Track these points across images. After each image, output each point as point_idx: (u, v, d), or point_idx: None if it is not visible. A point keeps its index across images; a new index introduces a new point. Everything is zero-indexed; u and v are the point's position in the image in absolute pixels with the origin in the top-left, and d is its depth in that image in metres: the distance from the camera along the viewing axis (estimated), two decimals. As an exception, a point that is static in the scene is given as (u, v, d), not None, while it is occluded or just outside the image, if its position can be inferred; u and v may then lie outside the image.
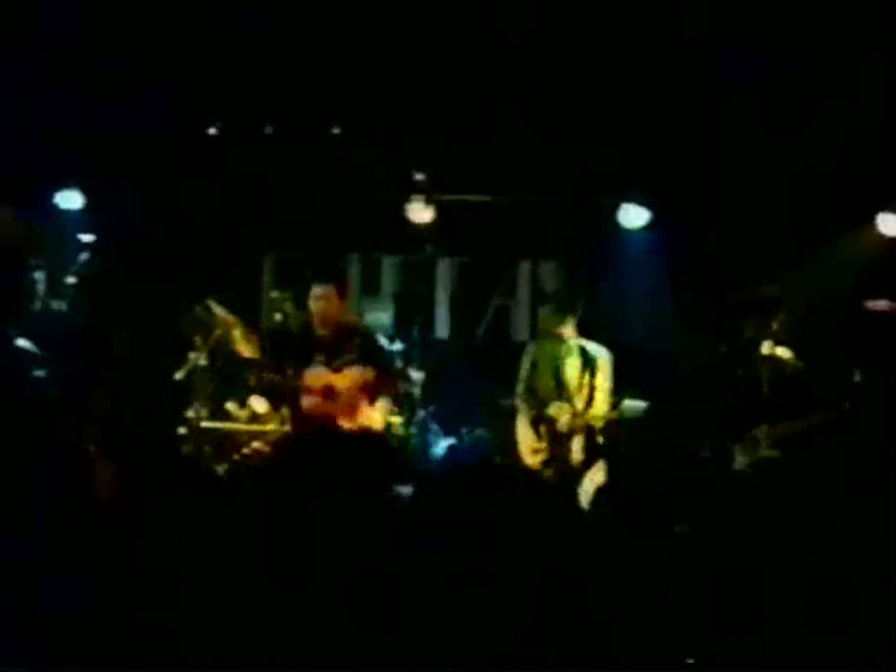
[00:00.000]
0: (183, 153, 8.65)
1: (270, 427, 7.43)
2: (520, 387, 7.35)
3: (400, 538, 5.19)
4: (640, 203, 8.73)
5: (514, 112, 8.35)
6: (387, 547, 4.92)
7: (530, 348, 7.48)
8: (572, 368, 7.18)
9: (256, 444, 7.45)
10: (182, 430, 7.39)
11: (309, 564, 4.38)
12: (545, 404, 7.18)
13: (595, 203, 8.83)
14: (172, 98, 8.17)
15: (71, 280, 7.70)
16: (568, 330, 7.22)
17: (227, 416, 7.66)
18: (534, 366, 7.31)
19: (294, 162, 8.87)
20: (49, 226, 8.65)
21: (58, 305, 7.95)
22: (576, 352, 7.21)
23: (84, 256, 7.72)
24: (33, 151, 8.09)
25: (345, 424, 6.53)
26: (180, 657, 4.01)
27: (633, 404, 7.16)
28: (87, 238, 7.81)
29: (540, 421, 7.15)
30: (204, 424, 7.51)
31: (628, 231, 8.87)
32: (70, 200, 8.88)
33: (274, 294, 8.82)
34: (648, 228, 8.83)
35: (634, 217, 8.80)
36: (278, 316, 8.21)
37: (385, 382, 6.72)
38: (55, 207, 8.87)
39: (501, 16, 7.51)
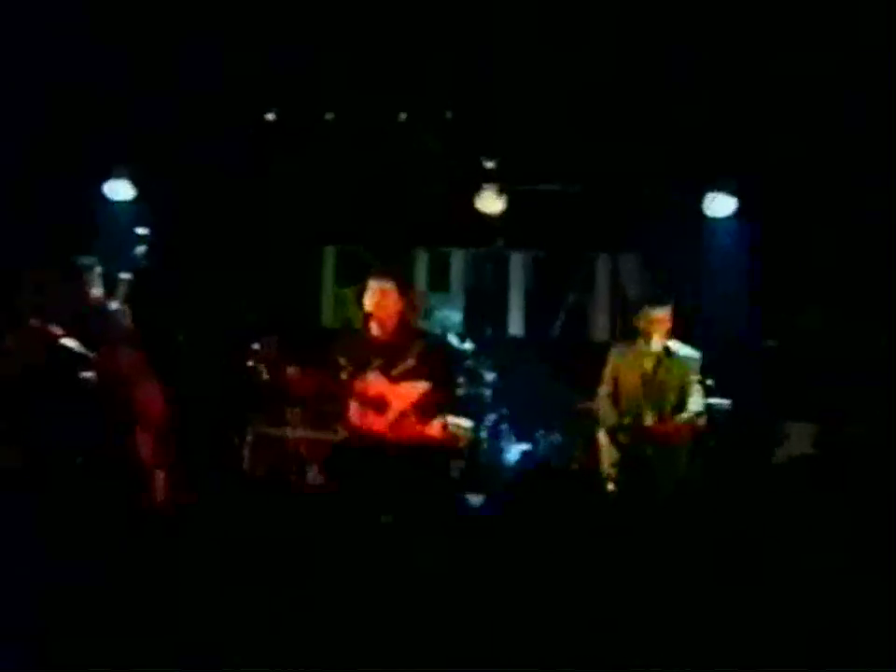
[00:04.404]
0: (239, 142, 8.62)
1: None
2: (603, 390, 7.17)
3: (466, 553, 5.21)
4: (728, 192, 8.63)
5: (591, 97, 8.26)
6: (454, 563, 4.86)
7: (616, 348, 7.31)
8: (662, 371, 7.03)
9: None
10: (247, 437, 7.52)
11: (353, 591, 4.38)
12: (630, 409, 7.05)
13: (679, 191, 8.72)
14: (225, 84, 8.15)
15: (125, 276, 7.35)
16: (659, 330, 7.01)
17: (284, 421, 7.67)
18: (619, 367, 7.15)
19: (357, 151, 8.81)
20: (100, 219, 8.66)
21: (113, 304, 7.54)
22: (665, 354, 7.04)
23: (139, 250, 7.36)
24: (81, 140, 8.18)
25: (394, 442, 6.33)
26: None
27: (719, 405, 7.11)
28: (141, 231, 7.46)
29: (624, 427, 7.01)
30: (269, 431, 7.60)
31: (714, 222, 8.78)
32: (120, 191, 8.84)
33: (337, 291, 9.04)
34: (735, 217, 8.72)
35: (720, 206, 8.71)
36: (340, 315, 8.39)
37: (444, 397, 6.52)
38: (104, 198, 8.86)
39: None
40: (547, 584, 4.38)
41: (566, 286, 9.45)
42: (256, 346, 6.40)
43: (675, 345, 7.07)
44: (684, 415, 6.98)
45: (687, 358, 7.05)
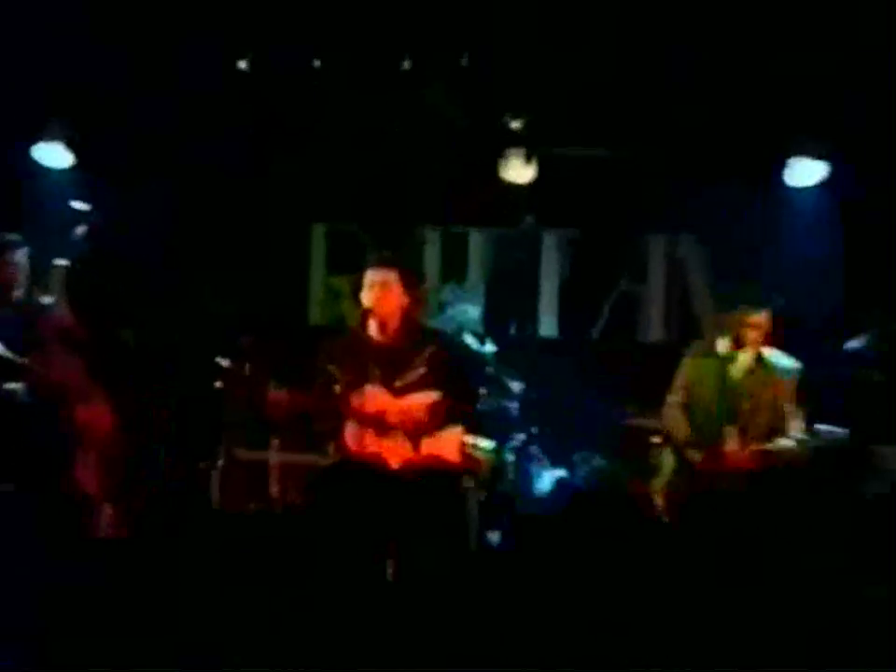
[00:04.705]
0: (205, 93, 8.52)
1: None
2: (672, 398, 7.10)
3: (487, 606, 5.86)
4: (814, 156, 8.56)
5: (641, 35, 8.16)
6: (472, 619, 5.45)
7: (692, 351, 7.21)
8: (752, 384, 6.94)
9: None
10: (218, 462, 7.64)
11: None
12: (707, 428, 6.93)
13: (754, 155, 8.57)
14: (192, 24, 8.13)
15: (61, 263, 7.35)
16: (755, 336, 6.90)
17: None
18: (695, 375, 7.08)
19: (352, 106, 8.77)
20: (28, 190, 8.54)
21: (47, 298, 7.60)
22: (757, 363, 6.97)
23: (78, 230, 7.39)
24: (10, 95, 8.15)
25: (399, 468, 6.31)
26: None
27: (827, 432, 6.89)
28: (80, 207, 7.47)
29: (697, 445, 6.92)
30: (245, 454, 7.72)
31: (798, 192, 8.70)
32: (54, 156, 8.62)
33: (327, 281, 9.03)
34: (823, 187, 8.66)
35: (803, 173, 8.66)
36: (331, 311, 8.49)
37: (460, 413, 6.44)
38: (34, 164, 8.70)
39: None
40: (590, 648, 4.89)
41: (611, 274, 9.36)
42: (227, 358, 6.38)
43: (770, 353, 6.96)
44: (781, 442, 6.83)
45: (785, 370, 6.94)
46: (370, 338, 6.41)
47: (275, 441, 7.67)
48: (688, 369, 7.08)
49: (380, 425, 6.27)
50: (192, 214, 8.90)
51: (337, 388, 6.25)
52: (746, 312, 6.86)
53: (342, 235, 9.37)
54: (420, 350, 6.39)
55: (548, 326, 9.40)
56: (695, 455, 6.89)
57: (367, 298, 6.35)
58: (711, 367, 6.98)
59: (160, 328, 8.35)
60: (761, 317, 6.84)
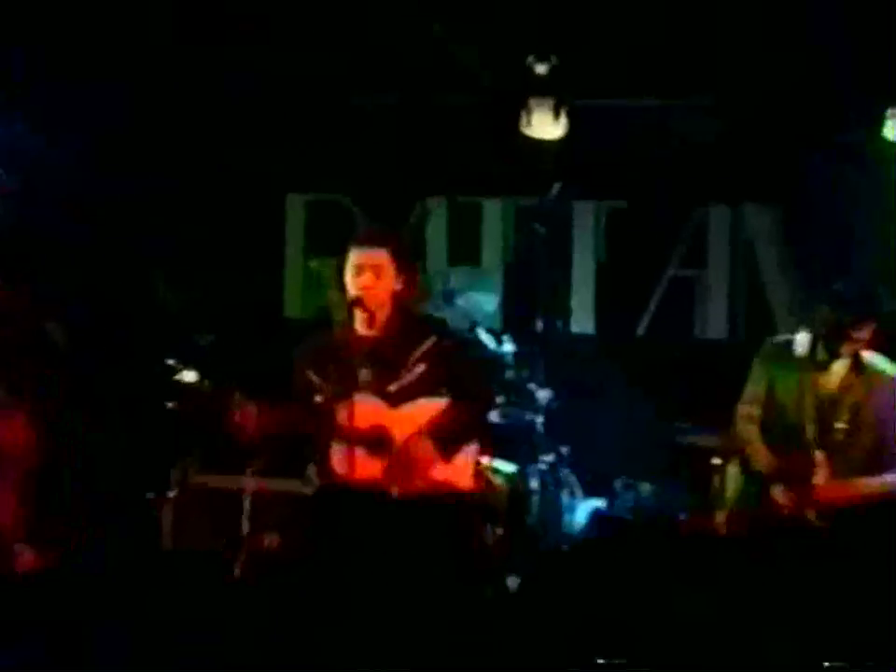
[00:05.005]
0: (144, 19, 8.62)
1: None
2: (744, 411, 6.97)
3: (505, 662, 6.03)
4: None
5: None
6: None
7: (765, 352, 7.07)
8: (847, 397, 6.80)
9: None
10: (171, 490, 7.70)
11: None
12: (788, 453, 6.82)
13: (843, 107, 8.56)
14: None
15: None
16: (858, 341, 6.75)
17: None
18: (776, 382, 6.94)
19: (338, 42, 8.78)
20: None
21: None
22: (855, 369, 6.84)
23: None
24: None
25: (397, 495, 6.23)
26: None
27: None
28: None
29: (775, 479, 6.80)
30: (206, 480, 7.80)
31: None
32: None
33: (307, 264, 9.16)
34: None
35: None
36: (311, 301, 8.52)
37: (472, 426, 6.38)
38: None
39: None
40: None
41: (661, 255, 9.28)
42: (182, 362, 6.28)
43: (872, 358, 6.89)
44: (887, 478, 6.72)
45: (892, 381, 6.91)
46: (356, 335, 6.37)
47: (244, 466, 7.56)
48: (764, 375, 6.98)
49: (373, 442, 6.23)
50: (133, 185, 8.94)
51: (319, 398, 6.21)
52: (848, 319, 6.75)
53: (325, 207, 9.40)
54: (419, 347, 6.35)
55: (582, 320, 9.33)
56: (773, 485, 6.83)
57: (353, 284, 6.29)
58: (796, 373, 6.91)
59: (97, 323, 8.38)
60: (867, 328, 6.74)
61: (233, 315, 8.68)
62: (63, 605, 6.42)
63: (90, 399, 7.62)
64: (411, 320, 6.47)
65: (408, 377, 6.29)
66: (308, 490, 6.57)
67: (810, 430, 6.80)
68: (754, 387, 6.99)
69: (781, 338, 7.19)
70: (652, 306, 9.29)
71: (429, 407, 6.30)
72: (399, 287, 6.35)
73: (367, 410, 6.22)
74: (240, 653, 6.19)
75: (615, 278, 9.33)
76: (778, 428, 6.91)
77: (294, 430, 6.37)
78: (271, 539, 7.43)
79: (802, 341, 6.99)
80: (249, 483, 7.58)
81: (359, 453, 6.23)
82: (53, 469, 6.67)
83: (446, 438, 6.29)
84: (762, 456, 6.89)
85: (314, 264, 9.31)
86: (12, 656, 5.90)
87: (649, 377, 8.82)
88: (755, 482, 6.91)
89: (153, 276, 8.96)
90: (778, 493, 6.78)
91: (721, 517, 6.95)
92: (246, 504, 7.54)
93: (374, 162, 9.14)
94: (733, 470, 7.04)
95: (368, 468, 6.23)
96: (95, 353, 8.00)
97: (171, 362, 6.23)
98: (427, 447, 6.27)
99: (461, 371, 6.42)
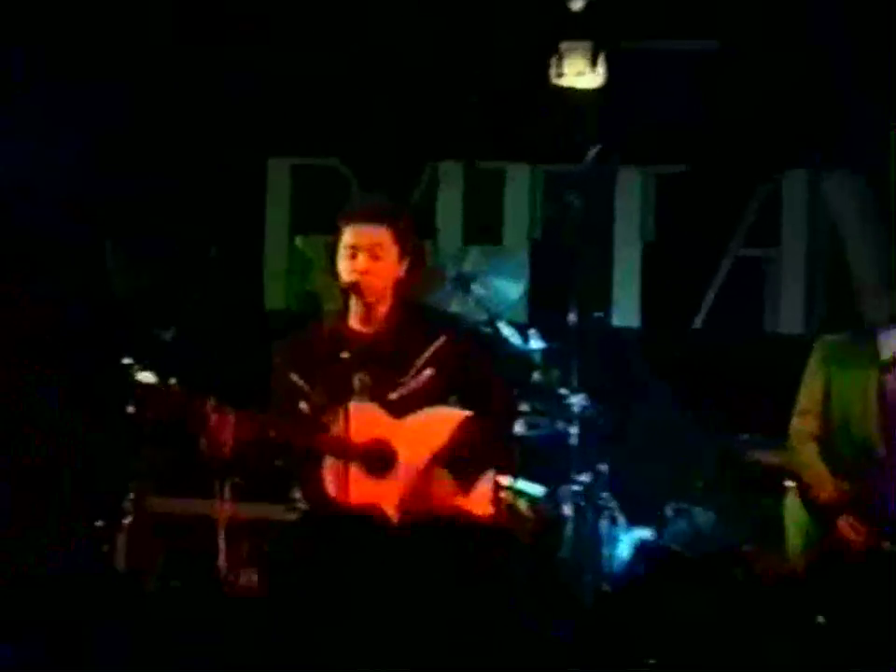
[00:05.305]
0: None
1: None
2: (797, 427, 6.99)
3: None
4: None
5: None
6: None
7: (823, 348, 7.06)
8: None
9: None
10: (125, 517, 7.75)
11: None
12: (856, 475, 6.84)
13: None
14: None
15: None
16: None
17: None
18: (837, 386, 6.96)
19: None
20: None
21: None
22: None
23: None
24: None
25: (403, 525, 6.17)
26: None
27: None
28: None
29: (840, 506, 6.80)
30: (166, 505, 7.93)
31: None
32: None
33: (293, 244, 9.36)
34: None
35: None
36: (298, 289, 8.81)
37: (493, 439, 6.30)
38: None
39: None
40: None
41: (723, 232, 9.31)
42: (139, 361, 6.13)
43: None
44: None
45: None
46: (351, 331, 6.32)
47: (214, 487, 7.13)
48: (821, 380, 7.01)
49: (372, 460, 6.17)
50: (87, 142, 9.08)
51: (305, 406, 6.19)
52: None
53: (314, 173, 9.51)
54: (424, 343, 6.30)
55: (626, 311, 9.38)
56: (840, 517, 6.85)
57: (347, 269, 6.22)
58: (861, 377, 6.95)
59: (38, 312, 8.52)
60: None
61: (201, 303, 8.75)
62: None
63: (28, 406, 8.05)
64: (417, 314, 6.44)
65: (413, 383, 6.26)
66: (292, 516, 6.47)
67: (880, 446, 6.87)
68: (808, 397, 7.02)
69: (841, 334, 7.18)
70: (711, 293, 9.32)
71: (439, 419, 6.27)
72: (402, 272, 6.31)
73: (364, 421, 6.17)
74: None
75: (666, 259, 9.36)
76: (844, 444, 6.93)
77: (275, 444, 6.28)
78: (248, 577, 7.43)
79: (887, 338, 7.02)
80: (221, 508, 7.21)
81: (355, 472, 6.18)
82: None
83: (464, 462, 6.26)
84: (823, 482, 6.91)
85: (300, 243, 9.35)
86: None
87: (706, 380, 8.88)
88: (819, 513, 6.91)
89: (110, 261, 9.05)
90: (846, 526, 6.78)
91: (793, 550, 6.96)
92: (219, 534, 7.28)
93: (375, 118, 9.24)
94: (792, 501, 7.06)
95: (365, 490, 6.18)
96: (39, 351, 8.31)
97: (125, 361, 6.06)
98: (440, 474, 6.26)
99: (478, 375, 6.40)
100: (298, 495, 6.41)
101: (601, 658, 7.03)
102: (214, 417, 6.11)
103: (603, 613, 7.54)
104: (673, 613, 7.22)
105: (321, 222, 8.54)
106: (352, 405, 6.14)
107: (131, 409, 6.17)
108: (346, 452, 6.14)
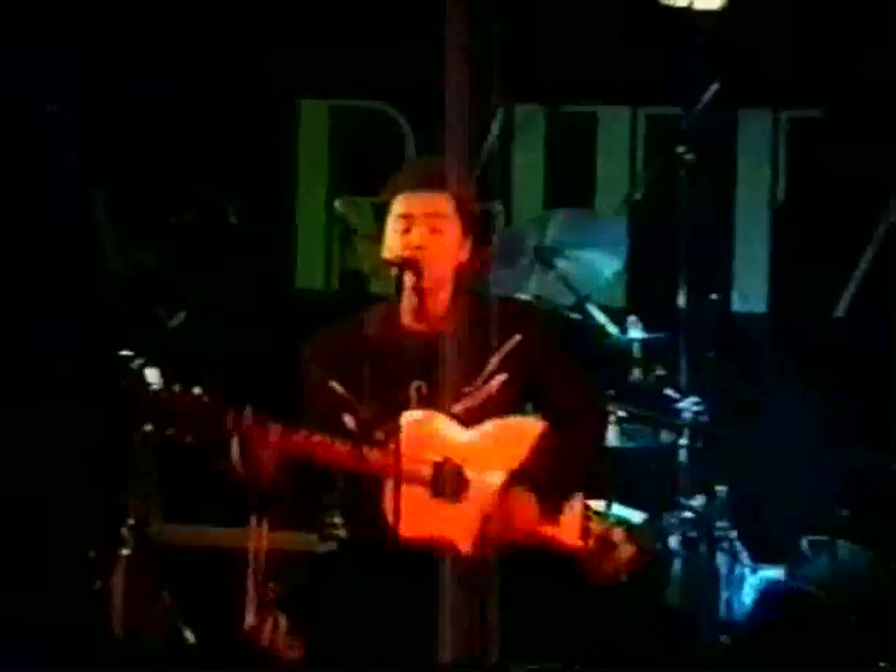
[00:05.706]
0: None
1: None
2: None
3: None
4: None
5: None
6: None
7: None
8: None
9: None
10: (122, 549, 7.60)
11: None
12: None
13: None
14: None
15: None
16: None
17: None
18: None
19: None
20: None
21: None
22: None
23: None
24: None
25: (478, 559, 6.22)
26: None
27: None
28: None
29: None
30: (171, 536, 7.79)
31: None
32: None
33: (333, 208, 9.41)
34: None
35: None
36: (339, 264, 9.28)
37: (585, 456, 6.41)
38: None
39: None
40: None
41: (873, 195, 9.13)
42: (139, 355, 6.28)
43: None
44: None
45: None
46: (403, 327, 6.41)
47: (239, 514, 7.15)
48: None
49: (442, 482, 6.26)
50: (74, 82, 9.24)
51: (349, 420, 6.22)
52: None
53: (358, 118, 9.73)
54: (495, 341, 6.31)
55: (749, 293, 9.55)
56: None
57: (398, 244, 6.27)
58: None
59: (17, 297, 8.80)
60: None
61: (217, 283, 8.85)
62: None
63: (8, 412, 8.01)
64: (484, 306, 6.44)
65: (481, 393, 6.33)
66: (326, 547, 6.51)
67: None
68: None
69: None
70: (858, 274, 9.14)
71: (514, 431, 6.34)
72: (465, 255, 6.37)
73: (424, 434, 6.25)
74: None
75: (800, 230, 9.47)
76: None
77: (310, 459, 6.34)
78: (274, 623, 7.51)
79: None
80: (255, 538, 7.19)
81: (418, 497, 6.23)
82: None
83: (547, 482, 6.31)
84: None
85: (341, 206, 9.03)
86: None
87: (851, 379, 8.94)
88: None
89: (105, 233, 9.16)
90: None
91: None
92: (248, 574, 7.22)
93: (431, 52, 9.11)
94: None
95: (431, 518, 6.24)
96: (18, 345, 8.65)
97: (123, 353, 6.18)
98: (521, 498, 6.27)
99: (561, 377, 6.45)
100: (337, 520, 6.39)
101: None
102: (254, 432, 6.18)
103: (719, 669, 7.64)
104: (810, 666, 7.29)
105: (367, 182, 8.56)
106: (410, 418, 6.18)
107: (148, 427, 6.33)
108: (410, 474, 6.16)
